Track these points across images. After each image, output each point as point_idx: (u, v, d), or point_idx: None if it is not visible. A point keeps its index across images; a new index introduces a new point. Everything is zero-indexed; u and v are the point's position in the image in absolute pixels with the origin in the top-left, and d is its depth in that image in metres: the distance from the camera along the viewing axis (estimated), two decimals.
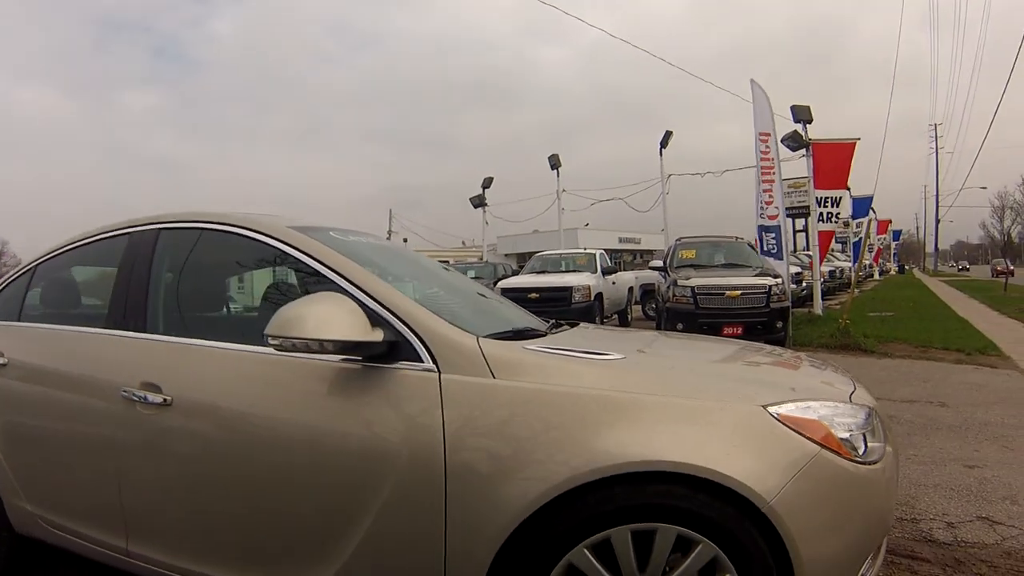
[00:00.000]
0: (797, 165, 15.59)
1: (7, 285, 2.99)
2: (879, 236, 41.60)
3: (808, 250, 18.97)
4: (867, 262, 31.17)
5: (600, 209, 27.56)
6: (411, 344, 1.88)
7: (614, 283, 14.48)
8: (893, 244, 55.35)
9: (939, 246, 60.96)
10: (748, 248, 12.80)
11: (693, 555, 1.64)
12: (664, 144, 20.42)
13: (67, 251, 2.86)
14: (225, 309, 2.86)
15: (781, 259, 12.09)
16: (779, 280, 10.72)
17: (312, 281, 2.16)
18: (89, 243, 2.78)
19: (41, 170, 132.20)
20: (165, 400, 2.12)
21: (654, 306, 14.68)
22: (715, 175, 21.38)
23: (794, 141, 14.49)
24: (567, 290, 11.57)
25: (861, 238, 29.32)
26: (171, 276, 2.53)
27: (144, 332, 2.35)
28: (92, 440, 2.31)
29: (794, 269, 15.09)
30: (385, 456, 1.80)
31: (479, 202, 24.00)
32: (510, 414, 1.74)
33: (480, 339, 1.93)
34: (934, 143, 44.66)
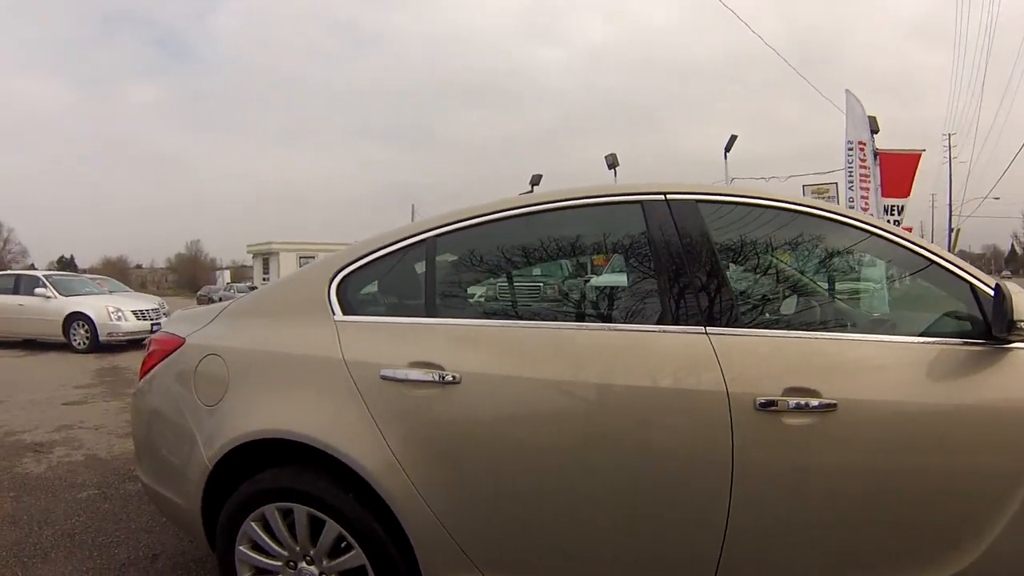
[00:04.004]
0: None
1: (363, 263, 2.21)
2: None
3: None
4: None
5: None
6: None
7: None
8: None
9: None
10: None
11: None
12: (728, 148, 20.49)
13: (488, 222, 2.18)
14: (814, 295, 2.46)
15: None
16: None
17: (914, 268, 2.05)
18: (541, 211, 2.16)
19: (41, 160, 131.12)
20: (829, 404, 1.79)
21: None
22: (780, 180, 21.37)
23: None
24: None
25: None
26: (742, 257, 2.21)
27: (729, 327, 1.91)
28: (686, 470, 1.83)
29: None
30: None
31: None
32: None
33: None
34: (948, 152, 44.64)
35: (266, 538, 2.11)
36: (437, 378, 1.94)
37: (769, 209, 2.10)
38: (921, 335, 1.92)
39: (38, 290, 11.62)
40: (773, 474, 1.80)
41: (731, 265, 2.15)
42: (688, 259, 1.98)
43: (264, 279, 47.05)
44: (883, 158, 15.23)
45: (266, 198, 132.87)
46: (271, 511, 2.08)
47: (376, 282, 2.28)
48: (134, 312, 11.76)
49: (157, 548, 3.08)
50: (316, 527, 2.05)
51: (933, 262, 1.98)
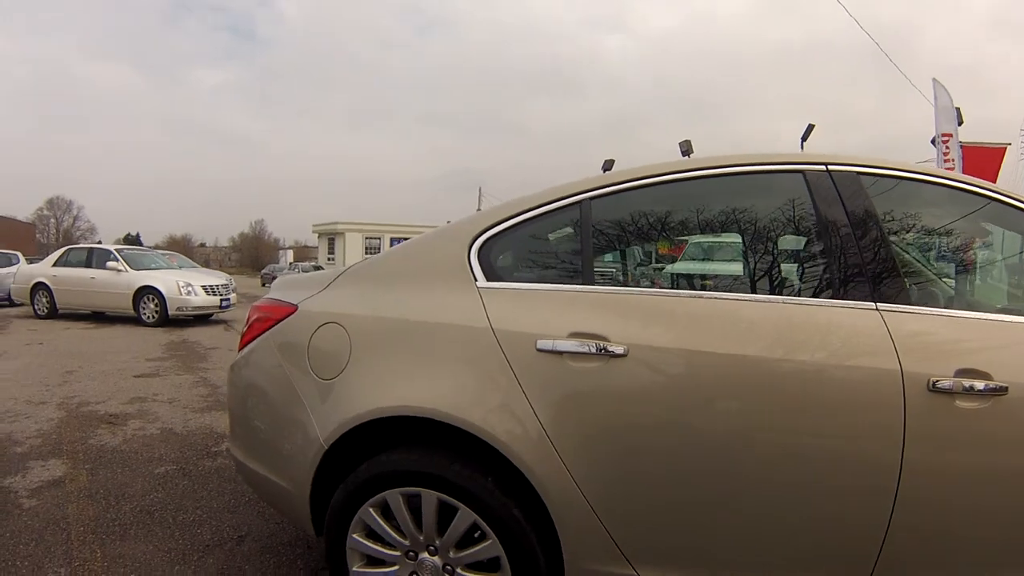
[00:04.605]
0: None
1: (508, 225, 2.01)
2: None
3: None
4: None
5: None
6: None
7: None
8: None
9: None
10: None
11: None
12: (805, 138, 19.78)
13: (646, 185, 1.99)
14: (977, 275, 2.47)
15: None
16: None
17: None
18: (700, 176, 1.98)
19: (109, 140, 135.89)
20: (1000, 388, 1.66)
21: None
22: None
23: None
24: None
25: None
26: (910, 235, 2.13)
27: (899, 303, 1.78)
28: (856, 458, 1.69)
29: None
30: None
31: None
32: None
33: None
34: None
35: (385, 526, 1.85)
36: (600, 350, 1.75)
37: (929, 184, 1.97)
38: None
39: (110, 263, 11.72)
40: (944, 461, 1.67)
41: (894, 240, 2.03)
42: (855, 232, 1.87)
43: (329, 259, 48.05)
44: (966, 151, 14.64)
45: (331, 180, 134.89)
46: (394, 496, 1.81)
47: (523, 246, 2.06)
48: (204, 287, 11.78)
49: (243, 529, 2.84)
50: (445, 514, 1.81)
51: None
